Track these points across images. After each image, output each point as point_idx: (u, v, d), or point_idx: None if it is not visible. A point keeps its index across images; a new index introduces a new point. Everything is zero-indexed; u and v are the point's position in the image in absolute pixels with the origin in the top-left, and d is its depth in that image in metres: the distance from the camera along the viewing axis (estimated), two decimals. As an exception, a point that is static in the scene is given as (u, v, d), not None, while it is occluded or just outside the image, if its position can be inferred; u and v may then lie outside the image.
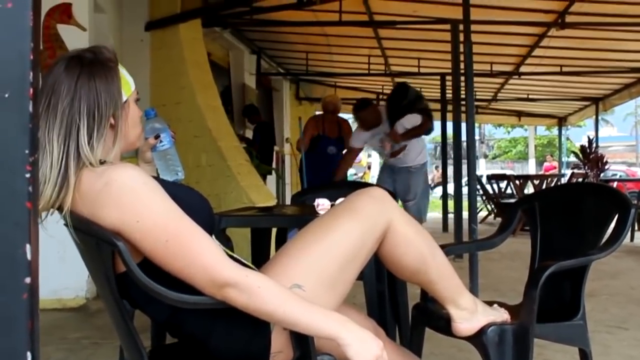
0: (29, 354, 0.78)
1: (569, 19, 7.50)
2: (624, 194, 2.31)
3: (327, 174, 6.94)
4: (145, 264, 1.52)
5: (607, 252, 2.16)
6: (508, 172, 19.68)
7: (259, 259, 2.78)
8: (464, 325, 2.01)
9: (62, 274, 4.54)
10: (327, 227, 1.78)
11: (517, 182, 11.48)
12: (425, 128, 6.42)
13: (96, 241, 1.51)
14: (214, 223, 1.75)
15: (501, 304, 2.24)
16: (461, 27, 5.80)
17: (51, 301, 4.59)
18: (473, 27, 5.10)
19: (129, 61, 5.67)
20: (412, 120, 6.24)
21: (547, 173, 17.55)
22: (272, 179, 10.42)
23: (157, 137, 1.89)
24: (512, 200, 10.31)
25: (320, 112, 7.68)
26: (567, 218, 2.50)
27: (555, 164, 20.49)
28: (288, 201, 11.47)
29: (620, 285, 5.45)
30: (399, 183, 6.51)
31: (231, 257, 1.60)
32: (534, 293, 2.01)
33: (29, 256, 0.77)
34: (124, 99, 1.65)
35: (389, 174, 6.65)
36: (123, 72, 1.67)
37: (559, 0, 7.19)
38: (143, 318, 1.78)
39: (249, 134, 9.90)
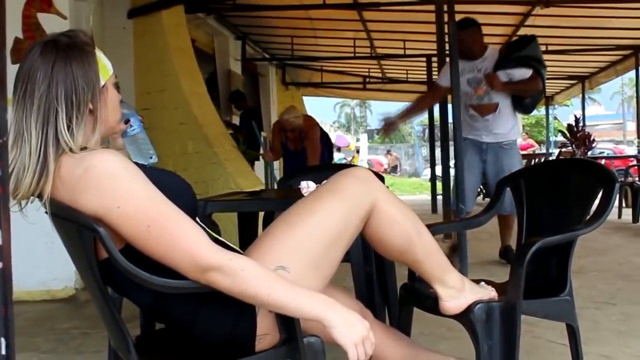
0: (2, 341, 0.77)
1: (554, -4, 7.50)
2: (608, 169, 2.31)
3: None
4: (127, 249, 1.51)
5: (593, 227, 2.15)
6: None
7: (247, 244, 2.76)
8: (451, 304, 2.01)
9: (50, 264, 4.52)
10: (311, 208, 1.77)
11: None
12: (534, 85, 5.13)
13: (77, 228, 1.50)
14: (196, 207, 1.74)
15: (488, 282, 2.25)
16: (445, 7, 5.78)
17: (40, 292, 4.57)
18: (457, 7, 5.07)
19: (112, 49, 5.61)
20: (521, 73, 5.09)
21: (522, 152, 17.52)
22: (259, 164, 10.40)
23: (126, 122, 1.86)
24: (500, 180, 10.32)
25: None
26: (552, 194, 2.50)
27: (532, 141, 20.39)
28: (276, 186, 11.47)
29: (608, 261, 5.48)
30: (490, 164, 5.24)
31: (216, 240, 1.59)
32: (521, 269, 2.01)
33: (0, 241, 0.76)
34: (102, 83, 1.62)
35: (475, 152, 5.26)
36: (100, 55, 1.64)
37: (543, -21, 7.19)
38: (133, 306, 1.77)
39: (236, 120, 9.87)
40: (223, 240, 1.68)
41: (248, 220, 3.35)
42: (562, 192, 2.46)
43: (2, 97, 0.76)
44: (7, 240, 0.78)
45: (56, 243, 3.92)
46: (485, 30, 9.24)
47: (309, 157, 6.57)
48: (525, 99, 5.17)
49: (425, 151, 32.73)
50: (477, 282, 2.16)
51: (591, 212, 2.23)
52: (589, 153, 11.27)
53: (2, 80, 0.76)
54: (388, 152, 33.65)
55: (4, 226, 0.77)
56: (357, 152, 29.83)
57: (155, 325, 2.19)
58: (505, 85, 4.98)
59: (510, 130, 5.23)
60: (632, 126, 41.53)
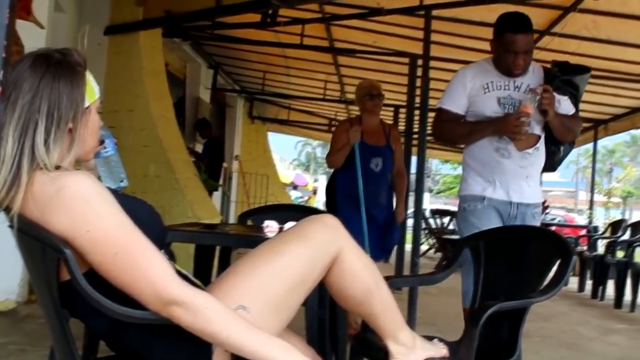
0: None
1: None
2: (568, 241, 2.37)
3: (373, 196, 4.70)
4: (90, 274, 1.49)
5: (547, 296, 2.20)
6: (452, 208, 19.95)
7: (201, 276, 2.74)
8: (401, 360, 2.01)
9: (-7, 275, 4.40)
10: (277, 250, 1.77)
11: (460, 218, 11.63)
12: (578, 127, 3.57)
13: (42, 246, 1.48)
14: (164, 237, 1.73)
15: (441, 340, 2.26)
16: (420, 61, 5.90)
17: (-21, 302, 4.45)
18: (432, 63, 5.18)
19: (85, 64, 5.59)
20: (565, 106, 3.40)
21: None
22: (218, 195, 10.36)
23: (101, 142, 1.85)
24: (454, 236, 10.46)
25: (351, 117, 5.23)
26: (510, 259, 2.55)
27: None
28: (232, 219, 11.41)
29: (553, 328, 5.56)
30: None
31: (180, 273, 1.58)
32: (474, 331, 2.04)
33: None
34: (87, 104, 1.62)
35: (498, 220, 3.30)
36: (90, 78, 1.64)
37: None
38: (75, 326, 1.73)
39: (199, 148, 9.85)
40: (187, 274, 1.67)
41: (205, 253, 3.32)
42: (520, 258, 2.51)
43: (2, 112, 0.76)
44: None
45: (1, 254, 3.84)
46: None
47: (398, 159, 4.90)
48: (560, 145, 3.55)
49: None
50: (430, 339, 2.18)
51: (546, 281, 2.28)
52: (542, 218, 11.49)
53: (3, 97, 0.76)
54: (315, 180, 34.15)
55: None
56: (314, 192, 29.83)
57: (99, 349, 2.15)
58: (555, 116, 3.29)
59: (540, 186, 3.54)
60: (583, 195, 42.64)
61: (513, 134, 3.17)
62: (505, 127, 3.18)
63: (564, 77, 3.42)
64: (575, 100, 3.47)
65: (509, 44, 3.19)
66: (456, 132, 3.42)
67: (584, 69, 3.56)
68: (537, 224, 3.44)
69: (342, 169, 4.75)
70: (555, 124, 3.28)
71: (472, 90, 3.33)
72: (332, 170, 5.01)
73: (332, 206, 4.84)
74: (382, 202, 4.79)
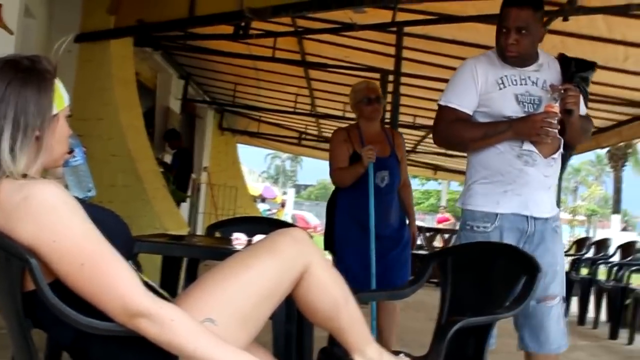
0: None
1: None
2: (534, 258, 2.38)
3: (381, 216, 4.06)
4: (56, 284, 1.48)
5: (513, 312, 2.22)
6: (420, 223, 20.07)
7: (168, 288, 2.72)
8: (367, 376, 2.01)
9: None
10: (245, 263, 1.77)
11: (427, 233, 11.72)
12: (590, 129, 3.26)
13: (6, 255, 1.45)
14: (132, 248, 1.72)
15: (407, 355, 2.27)
16: (391, 77, 5.94)
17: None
18: (403, 80, 5.22)
19: (54, 71, 5.52)
20: (582, 105, 3.00)
21: (439, 225, 18.03)
22: (185, 206, 10.29)
23: (70, 152, 1.83)
24: (421, 252, 10.51)
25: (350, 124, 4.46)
26: (477, 275, 2.56)
27: (448, 215, 20.90)
28: (200, 230, 11.34)
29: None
30: (545, 256, 2.82)
31: (147, 285, 1.57)
32: (441, 347, 2.04)
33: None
34: (55, 112, 1.60)
35: (513, 239, 2.86)
36: (59, 85, 1.63)
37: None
38: (37, 336, 1.70)
39: (168, 158, 9.79)
40: (154, 285, 1.65)
41: (172, 265, 3.30)
42: (487, 274, 2.52)
43: None
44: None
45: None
46: (425, 104, 9.30)
47: (403, 169, 4.29)
48: (571, 149, 3.21)
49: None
50: (397, 353, 2.19)
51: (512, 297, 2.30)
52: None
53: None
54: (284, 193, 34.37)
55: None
56: (283, 205, 29.83)
57: (61, 358, 2.12)
58: (580, 115, 2.93)
59: (555, 200, 3.12)
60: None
61: (539, 137, 2.76)
62: (530, 129, 2.77)
63: (582, 74, 3.05)
64: (586, 99, 3.07)
65: (501, 20, 2.81)
66: (466, 136, 2.91)
67: (589, 65, 3.12)
68: (562, 239, 3.05)
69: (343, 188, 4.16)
70: (577, 125, 2.90)
71: (484, 86, 2.87)
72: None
73: (331, 233, 4.22)
74: (392, 222, 4.19)
